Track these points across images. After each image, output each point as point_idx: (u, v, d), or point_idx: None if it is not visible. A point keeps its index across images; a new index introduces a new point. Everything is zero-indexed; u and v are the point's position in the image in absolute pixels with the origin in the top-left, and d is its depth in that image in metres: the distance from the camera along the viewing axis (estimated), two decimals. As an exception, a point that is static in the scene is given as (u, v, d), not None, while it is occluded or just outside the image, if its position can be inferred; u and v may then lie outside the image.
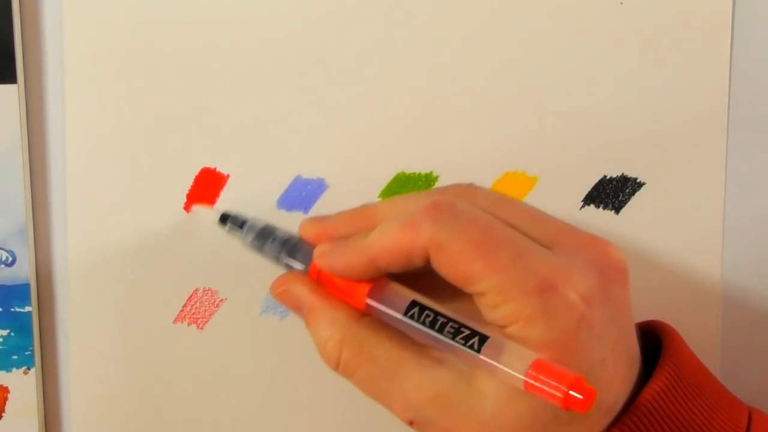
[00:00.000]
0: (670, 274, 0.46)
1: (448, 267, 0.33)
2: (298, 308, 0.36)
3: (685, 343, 0.37)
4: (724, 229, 0.46)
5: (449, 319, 0.33)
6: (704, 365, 0.37)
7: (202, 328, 0.44)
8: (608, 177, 0.45)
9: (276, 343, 0.44)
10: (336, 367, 0.35)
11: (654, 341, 0.37)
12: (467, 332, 0.32)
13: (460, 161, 0.43)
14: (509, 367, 0.31)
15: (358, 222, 0.36)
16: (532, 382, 0.30)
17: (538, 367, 0.30)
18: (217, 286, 0.44)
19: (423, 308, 0.33)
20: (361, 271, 0.35)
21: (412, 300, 0.34)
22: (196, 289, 0.43)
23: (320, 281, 0.36)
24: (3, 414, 0.42)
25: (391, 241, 0.33)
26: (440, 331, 0.33)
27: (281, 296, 0.37)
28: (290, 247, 0.37)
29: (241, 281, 0.44)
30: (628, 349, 0.34)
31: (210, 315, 0.44)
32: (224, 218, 0.40)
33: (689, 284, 0.46)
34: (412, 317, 0.33)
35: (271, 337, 0.44)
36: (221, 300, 0.44)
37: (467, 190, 0.36)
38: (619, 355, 0.33)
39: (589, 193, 0.45)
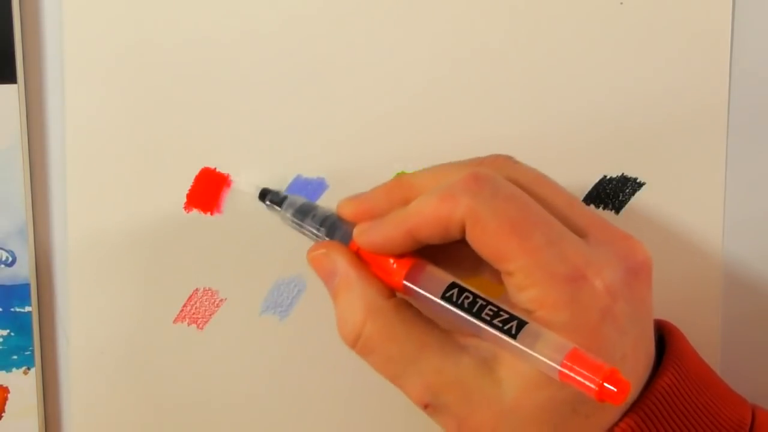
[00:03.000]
0: (671, 273, 0.46)
1: (481, 242, 0.33)
2: (329, 276, 0.36)
3: (688, 341, 0.37)
4: (724, 229, 0.46)
5: (488, 303, 0.33)
6: (706, 363, 0.37)
7: (202, 328, 0.44)
8: (608, 177, 0.45)
9: (276, 343, 0.44)
10: (354, 342, 0.35)
11: (657, 340, 0.37)
12: (505, 316, 0.32)
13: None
14: (545, 356, 0.31)
15: (396, 194, 0.36)
16: (567, 372, 0.30)
17: (573, 357, 0.30)
18: (217, 286, 0.44)
19: (462, 290, 0.33)
20: (400, 243, 0.34)
21: (452, 282, 0.34)
22: (196, 289, 0.43)
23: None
24: (3, 414, 0.42)
25: (429, 212, 0.33)
26: (478, 313, 0.32)
27: (317, 259, 0.36)
28: (329, 225, 0.37)
29: (241, 281, 0.44)
30: (646, 349, 0.34)
31: (210, 315, 0.44)
32: (264, 194, 0.40)
33: (690, 284, 0.46)
34: (449, 298, 0.33)
35: (271, 337, 0.44)
36: (221, 300, 0.44)
37: (505, 162, 0.36)
38: (639, 354, 0.34)
39: (589, 193, 0.45)
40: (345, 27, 0.43)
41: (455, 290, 0.33)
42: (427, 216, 0.33)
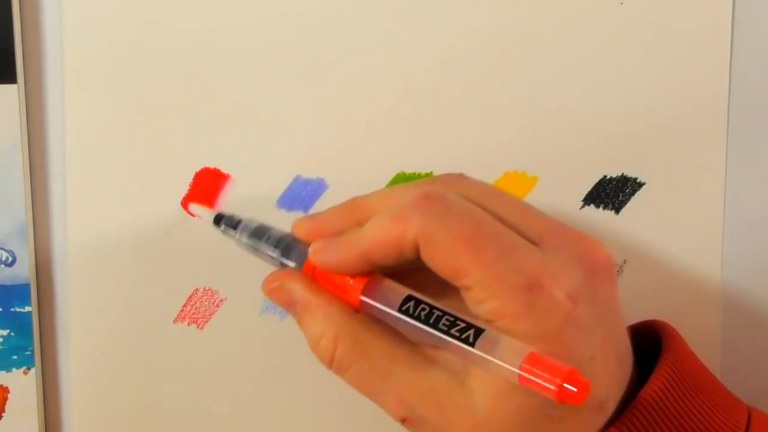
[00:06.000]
0: (670, 274, 0.46)
1: (436, 260, 0.33)
2: (290, 305, 0.36)
3: (685, 342, 0.37)
4: (724, 229, 0.46)
5: (444, 313, 0.33)
6: (703, 364, 0.37)
7: (202, 328, 0.44)
8: (608, 177, 0.45)
9: (276, 343, 0.44)
10: (330, 363, 0.35)
11: (654, 341, 0.37)
12: (462, 325, 0.32)
13: (460, 161, 0.43)
14: (503, 361, 0.31)
15: (350, 216, 0.36)
16: (526, 375, 0.30)
17: (532, 360, 0.30)
18: (217, 286, 0.44)
19: (418, 302, 0.33)
20: (355, 265, 0.35)
21: (408, 294, 0.34)
22: (196, 289, 0.43)
23: (314, 279, 0.36)
24: (3, 414, 0.42)
25: (382, 233, 0.33)
26: (435, 324, 0.33)
27: (274, 292, 0.37)
28: (284, 246, 0.37)
29: (241, 281, 0.44)
30: (617, 347, 0.34)
31: (210, 315, 0.44)
32: (218, 219, 0.40)
33: (689, 284, 0.46)
34: (407, 312, 0.33)
35: (271, 337, 0.44)
36: (221, 300, 0.44)
37: (457, 180, 0.36)
38: (608, 353, 0.33)
39: (589, 193, 0.45)
40: (346, 27, 0.43)
41: (411, 303, 0.33)
42: (380, 238, 0.34)
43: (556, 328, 0.32)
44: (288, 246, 0.37)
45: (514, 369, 0.31)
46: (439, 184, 0.35)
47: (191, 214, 0.43)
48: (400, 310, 0.34)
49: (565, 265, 0.33)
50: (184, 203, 0.43)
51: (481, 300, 0.32)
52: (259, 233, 0.38)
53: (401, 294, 0.34)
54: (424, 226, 0.33)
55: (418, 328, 0.33)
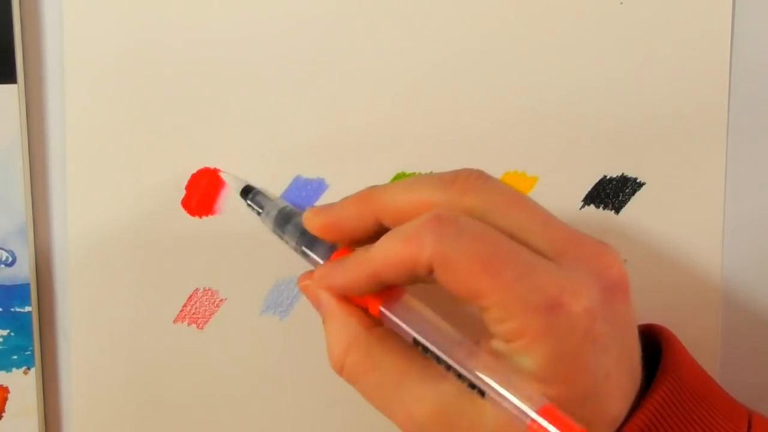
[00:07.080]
0: (670, 274, 0.46)
1: (452, 282, 0.33)
2: (317, 306, 0.37)
3: (684, 349, 0.37)
4: (725, 230, 0.46)
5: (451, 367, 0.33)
6: (703, 370, 0.37)
7: (202, 328, 0.44)
8: (608, 177, 0.45)
9: (276, 343, 0.44)
10: (340, 371, 0.35)
11: (653, 345, 0.37)
12: (472, 379, 0.32)
13: (460, 161, 0.43)
14: (515, 410, 0.31)
15: (365, 208, 0.36)
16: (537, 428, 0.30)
17: (545, 413, 0.30)
18: (217, 286, 0.44)
19: (426, 350, 0.34)
20: (365, 286, 0.35)
21: (413, 338, 0.34)
22: (196, 289, 0.43)
23: None
24: (3, 414, 0.42)
25: (394, 255, 0.33)
26: (447, 367, 0.33)
27: (305, 289, 0.37)
28: (310, 237, 0.37)
29: (241, 281, 0.44)
30: (630, 363, 0.34)
31: (210, 315, 0.44)
32: (246, 191, 0.40)
33: (689, 285, 0.46)
34: (420, 345, 0.34)
35: (271, 337, 0.44)
36: (221, 300, 0.44)
37: (478, 182, 0.35)
38: (622, 369, 0.33)
39: (589, 193, 0.45)
40: (346, 27, 0.43)
41: (419, 348, 0.34)
42: (390, 259, 0.33)
43: (576, 347, 0.32)
44: (313, 238, 0.37)
45: (524, 419, 0.31)
46: (461, 182, 0.35)
47: (192, 214, 0.43)
48: (414, 342, 0.34)
49: (584, 283, 0.33)
50: (185, 203, 0.43)
51: (500, 319, 0.32)
52: (284, 219, 0.38)
53: (413, 320, 0.34)
54: (440, 248, 0.32)
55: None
